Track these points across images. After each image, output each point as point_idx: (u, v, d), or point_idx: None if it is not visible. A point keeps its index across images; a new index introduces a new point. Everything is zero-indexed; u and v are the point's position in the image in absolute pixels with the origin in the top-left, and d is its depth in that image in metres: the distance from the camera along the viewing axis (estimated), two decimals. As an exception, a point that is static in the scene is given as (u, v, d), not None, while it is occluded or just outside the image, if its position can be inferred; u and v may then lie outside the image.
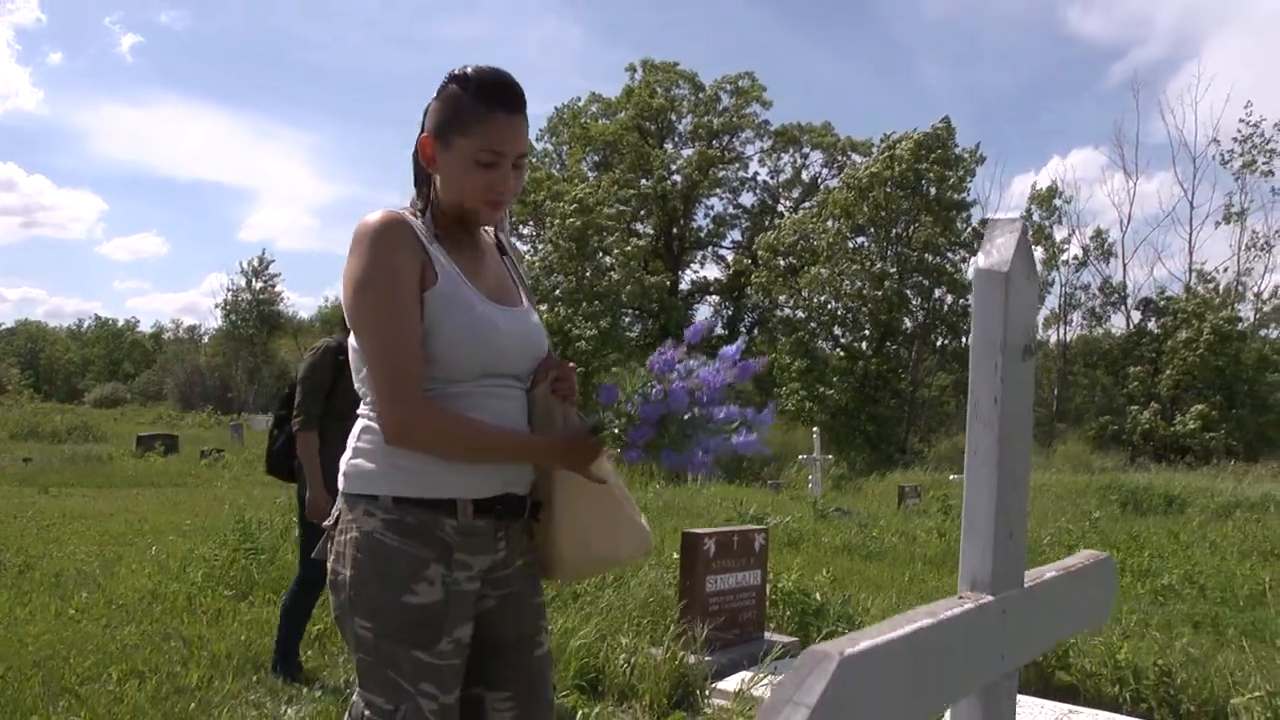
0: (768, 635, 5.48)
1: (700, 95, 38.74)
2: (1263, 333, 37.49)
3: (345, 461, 1.81)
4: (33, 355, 67.65)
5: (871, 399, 29.89)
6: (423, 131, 1.78)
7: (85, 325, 75.88)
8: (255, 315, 53.48)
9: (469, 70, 1.75)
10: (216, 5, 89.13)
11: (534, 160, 39.80)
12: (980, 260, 1.31)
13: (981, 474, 1.29)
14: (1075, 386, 38.87)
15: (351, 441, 1.82)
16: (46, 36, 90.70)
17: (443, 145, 1.75)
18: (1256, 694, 3.85)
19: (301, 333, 56.14)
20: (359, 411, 1.83)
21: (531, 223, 37.78)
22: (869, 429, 29.28)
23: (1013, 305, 1.29)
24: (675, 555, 5.84)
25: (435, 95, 1.78)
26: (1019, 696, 4.54)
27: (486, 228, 1.93)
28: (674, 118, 39.28)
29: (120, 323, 75.25)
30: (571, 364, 1.92)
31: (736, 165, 39.50)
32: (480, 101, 1.71)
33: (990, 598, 1.28)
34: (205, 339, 61.48)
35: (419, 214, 1.79)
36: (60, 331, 75.60)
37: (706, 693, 4.62)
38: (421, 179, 1.83)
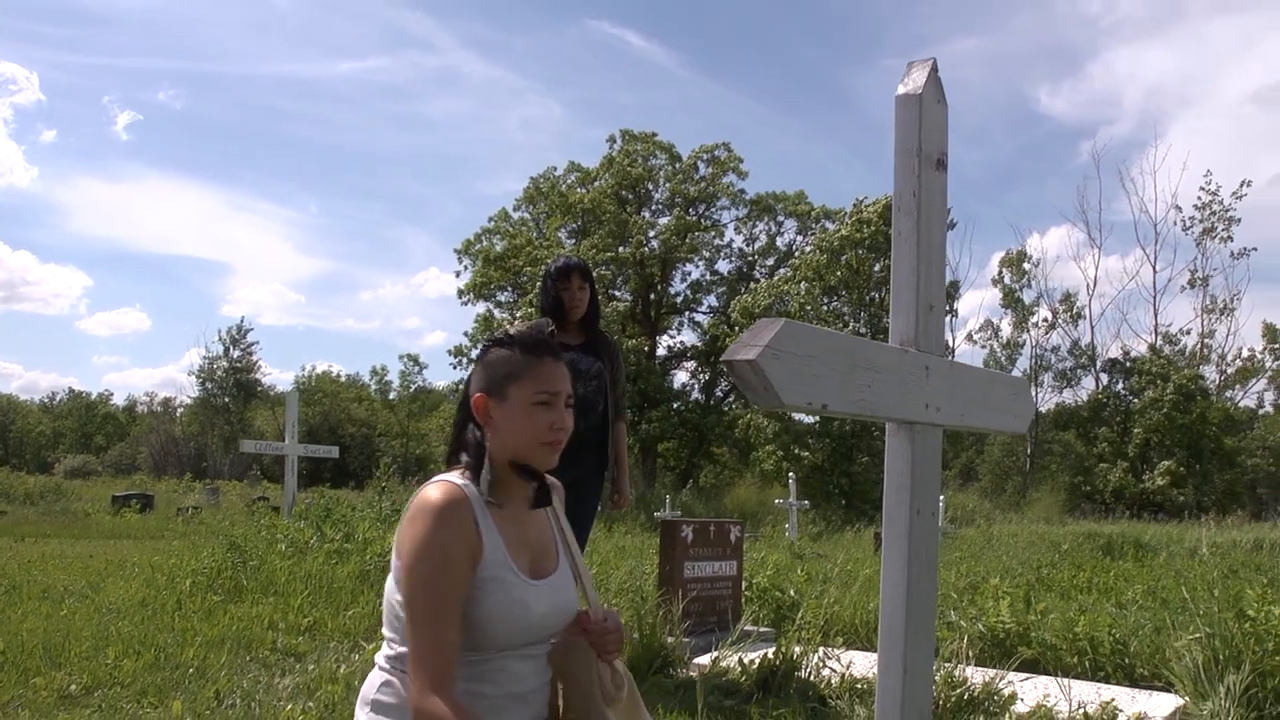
0: (745, 627, 5.67)
1: (678, 165, 39.61)
2: (1228, 394, 38.38)
3: (365, 713, 1.86)
4: (3, 428, 66.88)
5: (846, 457, 30.13)
6: (471, 393, 1.90)
7: (58, 399, 75.32)
8: (231, 383, 53.24)
9: (509, 331, 1.92)
10: (210, 83, 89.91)
11: (511, 228, 40.37)
12: (899, 89, 1.63)
13: (903, 251, 1.59)
14: (1050, 454, 39.42)
15: (370, 692, 1.85)
16: (43, 115, 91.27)
17: (498, 399, 1.86)
18: (1195, 636, 4.08)
19: (279, 405, 55.82)
20: (379, 663, 1.87)
21: (510, 288, 38.21)
22: (844, 485, 29.50)
23: (925, 121, 1.61)
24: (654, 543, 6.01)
25: (477, 361, 1.94)
26: (978, 669, 4.76)
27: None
28: (651, 187, 40.07)
29: (94, 396, 74.78)
30: (611, 621, 1.97)
31: (713, 233, 40.21)
32: (528, 353, 1.87)
33: (914, 350, 1.57)
34: (180, 410, 61.01)
35: (472, 477, 1.86)
36: (32, 405, 74.92)
37: (683, 668, 4.81)
38: (469, 442, 1.90)
